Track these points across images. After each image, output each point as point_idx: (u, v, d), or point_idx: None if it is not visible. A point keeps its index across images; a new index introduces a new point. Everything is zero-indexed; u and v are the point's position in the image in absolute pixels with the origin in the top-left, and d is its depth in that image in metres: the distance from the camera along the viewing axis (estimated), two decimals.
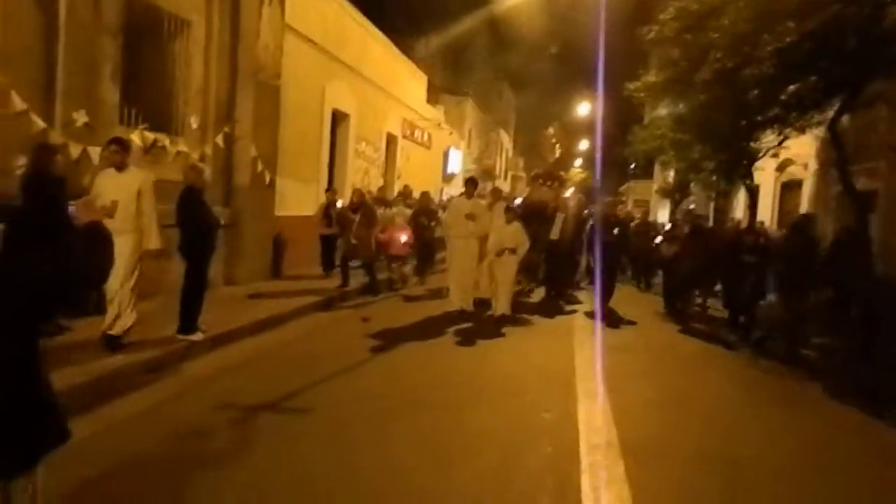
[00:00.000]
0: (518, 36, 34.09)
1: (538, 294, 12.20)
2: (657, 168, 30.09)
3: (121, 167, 6.06)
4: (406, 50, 20.27)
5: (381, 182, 16.68)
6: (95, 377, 5.19)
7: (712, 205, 22.44)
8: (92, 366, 5.37)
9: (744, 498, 4.05)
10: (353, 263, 10.98)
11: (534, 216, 11.62)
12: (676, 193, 24.45)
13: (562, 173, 18.55)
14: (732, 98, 11.55)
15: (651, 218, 26.03)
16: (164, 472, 3.84)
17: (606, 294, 10.81)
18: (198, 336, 6.63)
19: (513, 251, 9.56)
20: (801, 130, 12.08)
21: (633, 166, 38.61)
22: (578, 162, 60.43)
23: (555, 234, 11.69)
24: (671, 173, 24.48)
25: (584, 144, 57.33)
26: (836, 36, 9.10)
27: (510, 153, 46.15)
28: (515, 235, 9.68)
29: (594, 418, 5.24)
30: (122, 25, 7.73)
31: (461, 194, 10.52)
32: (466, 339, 8.20)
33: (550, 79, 40.78)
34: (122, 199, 5.47)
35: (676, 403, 6.08)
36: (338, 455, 4.20)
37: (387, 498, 3.68)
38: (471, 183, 10.27)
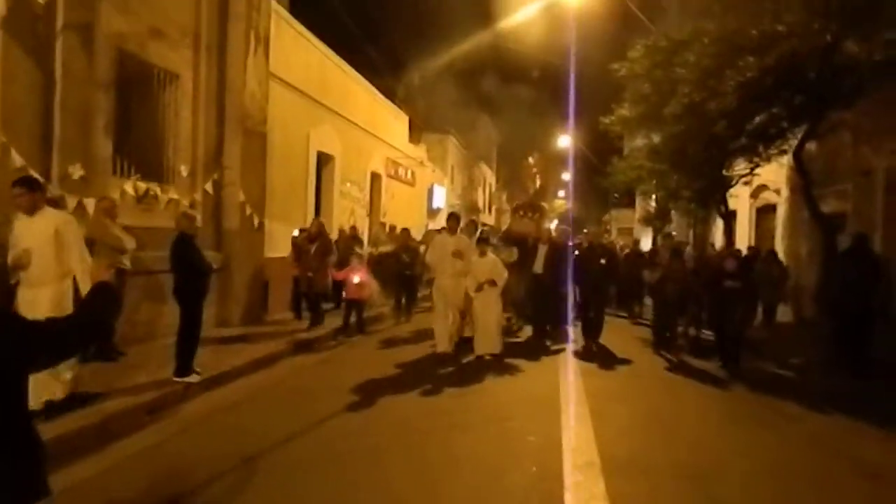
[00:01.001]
0: (498, 70, 35.05)
1: (526, 333, 11.47)
2: (638, 197, 30.72)
3: (31, 211, 5.29)
4: (387, 91, 20.83)
5: (366, 221, 17.04)
6: (99, 420, 5.38)
7: (692, 231, 23.01)
8: (93, 410, 5.56)
9: None
10: (326, 306, 10.94)
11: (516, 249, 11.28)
12: (657, 221, 24.98)
13: (543, 204, 18.11)
14: (701, 130, 12.07)
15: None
16: None
17: (595, 329, 10.38)
18: (194, 378, 6.82)
19: (492, 283, 9.01)
20: (768, 159, 12.60)
21: (616, 195, 39.30)
22: (561, 193, 61.28)
23: (538, 267, 10.99)
24: (652, 202, 25.06)
25: (566, 175, 58.30)
26: (794, 69, 9.65)
27: (493, 187, 46.81)
28: (493, 268, 9.16)
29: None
30: (114, 80, 8.07)
31: (442, 229, 9.83)
32: (453, 377, 8.07)
33: (531, 112, 41.61)
34: (36, 246, 5.18)
35: (659, 424, 6.32)
36: (333, 484, 4.41)
37: None
38: (453, 218, 9.71)
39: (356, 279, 10.60)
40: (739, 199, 18.23)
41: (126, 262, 7.47)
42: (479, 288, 9.03)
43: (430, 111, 28.69)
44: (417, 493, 4.31)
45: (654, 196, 22.96)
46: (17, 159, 6.59)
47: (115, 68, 8.04)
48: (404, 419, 6.11)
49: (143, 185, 8.64)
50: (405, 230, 14.02)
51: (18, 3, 6.37)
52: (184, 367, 6.79)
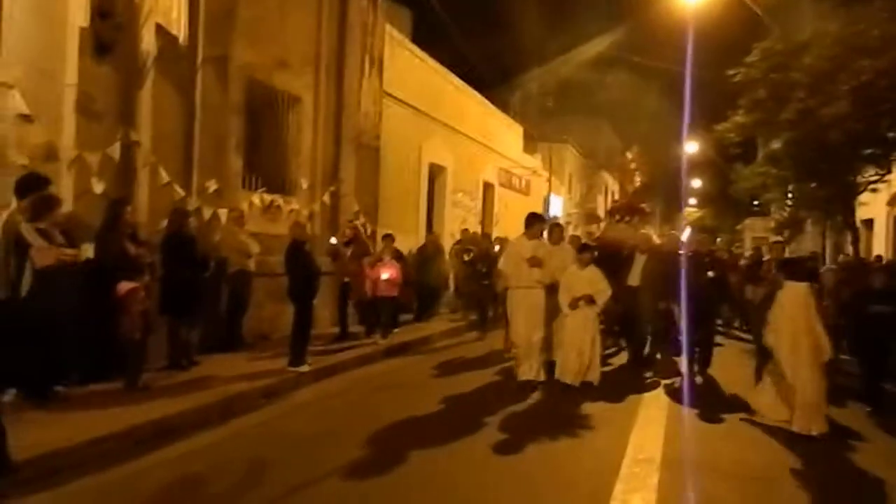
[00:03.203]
0: (618, 77, 34.56)
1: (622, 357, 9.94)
2: (772, 205, 29.19)
3: None
4: (502, 103, 21.41)
5: (479, 229, 17.62)
6: (222, 398, 6.31)
7: (828, 241, 21.60)
8: (218, 391, 6.51)
9: None
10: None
11: (608, 259, 9.44)
12: (786, 230, 23.68)
13: (644, 206, 16.06)
14: (817, 136, 11.61)
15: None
16: (278, 471, 4.77)
17: (701, 358, 8.63)
18: (305, 368, 7.67)
19: (591, 300, 7.79)
20: (889, 168, 11.89)
21: (756, 203, 37.48)
22: (693, 200, 58.96)
23: (633, 279, 9.32)
24: (785, 210, 23.73)
25: (696, 182, 56.07)
26: None
27: (616, 195, 46.01)
28: (592, 281, 7.90)
29: None
30: (244, 105, 9.19)
31: (522, 234, 8.40)
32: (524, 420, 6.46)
33: (653, 119, 40.55)
34: None
35: None
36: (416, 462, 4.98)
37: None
38: (535, 219, 8.39)
39: (385, 275, 9.75)
40: (875, 208, 17.06)
41: (251, 265, 8.52)
42: (575, 304, 7.81)
43: (546, 120, 28.94)
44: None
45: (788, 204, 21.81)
46: (164, 176, 7.74)
47: (246, 95, 9.15)
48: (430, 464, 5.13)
49: (268, 197, 9.72)
50: (485, 235, 13.45)
51: (166, 43, 7.51)
52: (297, 358, 7.65)
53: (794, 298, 6.49)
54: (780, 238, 22.65)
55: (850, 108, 9.88)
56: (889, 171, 12.93)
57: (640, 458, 5.16)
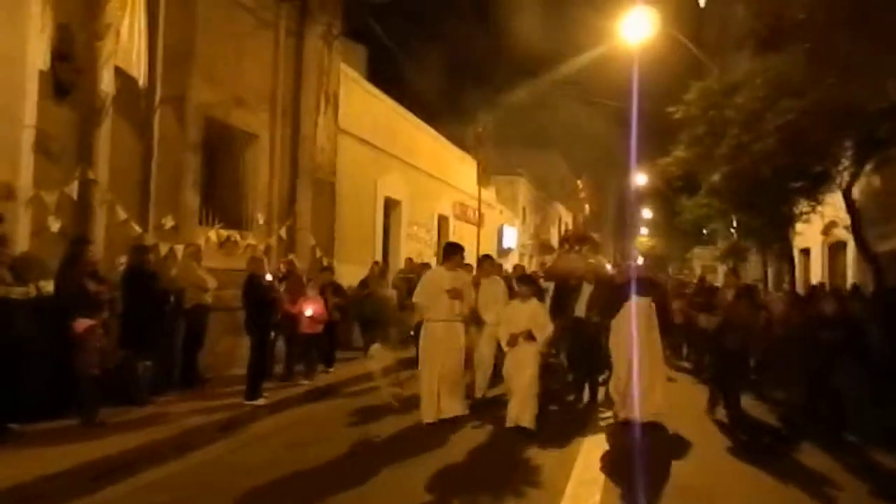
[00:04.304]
0: (566, 111, 35.68)
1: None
2: (717, 234, 30.30)
3: None
4: (456, 138, 21.92)
5: (433, 261, 17.90)
6: (179, 433, 6.39)
7: (770, 269, 22.56)
8: (175, 426, 6.59)
9: None
10: None
11: (560, 289, 9.68)
12: (729, 259, 24.65)
13: (594, 234, 15.22)
14: (750, 171, 12.32)
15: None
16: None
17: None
18: (261, 401, 7.78)
19: (530, 338, 7.24)
20: (819, 202, 12.68)
21: (705, 232, 38.73)
22: (644, 230, 60.54)
23: (580, 309, 8.98)
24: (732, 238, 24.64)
25: (647, 213, 57.69)
26: (831, 113, 9.85)
27: (569, 225, 47.02)
28: (533, 316, 7.37)
29: None
30: (201, 143, 9.36)
31: (440, 265, 8.21)
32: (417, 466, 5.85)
33: (603, 152, 41.86)
34: None
35: None
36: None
37: None
38: (453, 249, 8.00)
39: (308, 311, 9.24)
40: (810, 237, 17.99)
41: (208, 300, 8.62)
42: (514, 342, 7.27)
43: (499, 154, 29.62)
44: None
45: (733, 233, 22.73)
46: (122, 213, 7.86)
47: (203, 133, 9.34)
48: None
49: (224, 233, 9.86)
50: (425, 265, 12.88)
51: (125, 84, 7.68)
52: (253, 391, 7.76)
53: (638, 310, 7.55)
54: (729, 265, 23.60)
55: (777, 145, 10.55)
56: (820, 203, 13.73)
57: None
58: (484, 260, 9.55)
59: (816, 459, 6.43)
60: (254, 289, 7.81)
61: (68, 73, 6.87)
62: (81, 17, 7.17)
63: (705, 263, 43.00)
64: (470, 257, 18.59)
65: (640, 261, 30.84)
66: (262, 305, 7.85)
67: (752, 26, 11.35)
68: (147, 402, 7.24)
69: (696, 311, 10.49)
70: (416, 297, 7.72)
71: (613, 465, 5.99)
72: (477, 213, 22.99)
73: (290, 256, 10.96)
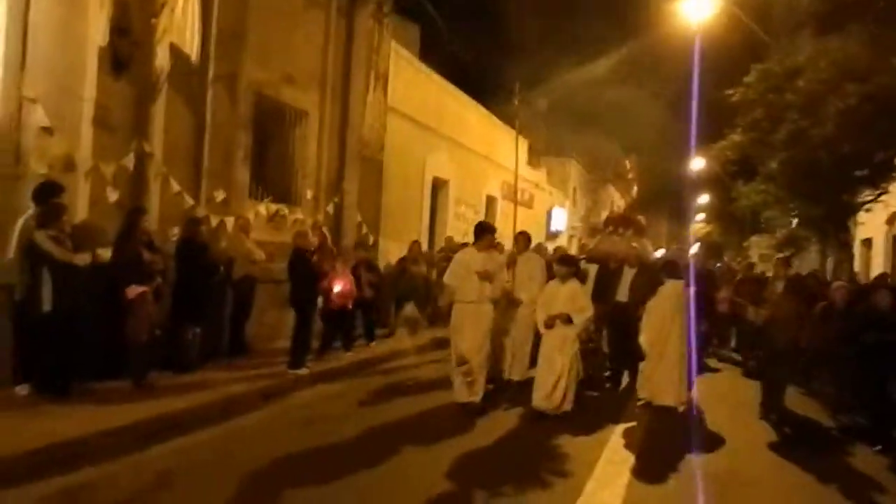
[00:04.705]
0: (625, 94, 34.93)
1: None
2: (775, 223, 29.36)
3: None
4: (508, 118, 21.78)
5: None
6: (222, 398, 6.68)
7: (829, 259, 21.78)
8: (219, 391, 6.88)
9: None
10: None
11: (602, 273, 9.24)
12: (787, 248, 23.88)
13: (640, 217, 14.59)
14: (808, 156, 11.93)
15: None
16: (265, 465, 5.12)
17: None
18: (304, 371, 8.02)
19: (568, 320, 7.01)
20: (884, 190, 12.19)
21: (763, 220, 37.58)
22: (700, 216, 59.06)
23: (622, 294, 8.75)
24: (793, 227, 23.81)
25: (704, 198, 56.20)
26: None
27: (622, 209, 46.24)
28: (572, 298, 7.11)
29: None
30: (252, 119, 9.59)
31: (471, 244, 8.10)
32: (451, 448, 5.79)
33: (660, 135, 40.83)
34: None
35: None
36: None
37: None
38: (484, 230, 7.68)
39: (336, 287, 9.15)
40: (873, 227, 17.29)
41: (256, 272, 8.88)
42: (551, 323, 7.10)
43: (551, 136, 29.32)
44: None
45: (792, 221, 21.99)
46: (175, 186, 8.15)
47: (254, 110, 9.57)
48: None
49: (273, 207, 10.11)
50: (465, 244, 11.60)
51: (178, 60, 7.92)
52: (296, 362, 8.00)
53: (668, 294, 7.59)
54: (782, 254, 22.76)
55: (837, 131, 10.18)
56: (885, 192, 13.19)
57: None
58: (520, 236, 9.23)
59: (860, 459, 6.18)
60: (299, 263, 8.01)
61: (126, 49, 7.11)
62: None
63: (762, 252, 41.62)
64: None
65: (696, 247, 29.95)
66: (306, 279, 8.05)
67: (813, 6, 10.90)
68: (196, 369, 7.56)
69: (741, 301, 10.01)
70: (447, 279, 7.53)
71: (645, 448, 5.99)
72: (526, 193, 22.90)
73: (322, 228, 10.71)
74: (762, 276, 12.90)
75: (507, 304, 8.16)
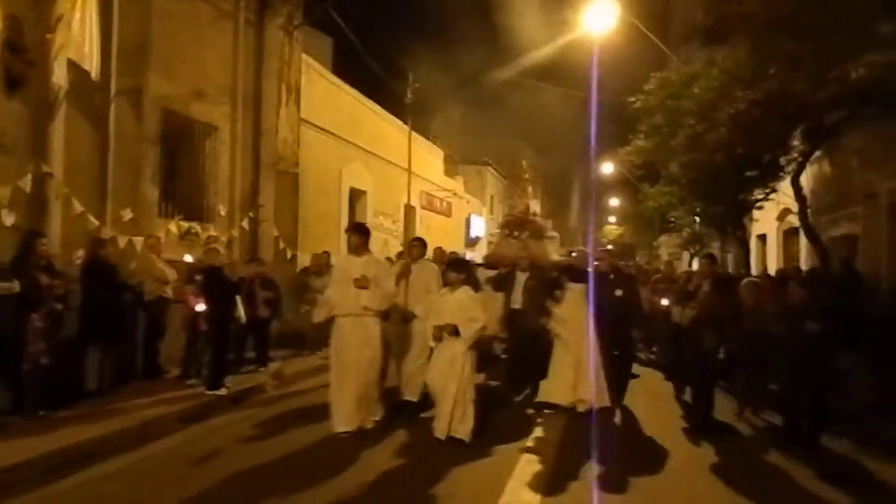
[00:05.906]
0: (530, 102, 35.86)
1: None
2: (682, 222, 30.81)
3: None
4: (422, 129, 22.02)
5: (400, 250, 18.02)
6: (139, 424, 6.46)
7: (730, 256, 23.13)
8: (134, 416, 6.65)
9: None
10: None
11: (495, 279, 8.89)
12: (691, 246, 25.18)
13: (536, 218, 14.05)
14: (707, 160, 12.64)
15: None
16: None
17: (616, 389, 7.65)
18: (223, 391, 7.85)
19: (455, 332, 6.14)
20: (772, 189, 13.10)
21: (671, 220, 39.24)
22: (612, 218, 61.16)
23: (515, 301, 8.25)
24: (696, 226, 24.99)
25: (614, 201, 58.25)
26: (781, 103, 10.16)
27: (538, 214, 47.25)
28: (462, 307, 6.26)
29: None
30: (159, 135, 9.35)
31: (348, 252, 6.90)
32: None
33: (569, 142, 42.12)
34: None
35: None
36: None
37: None
38: (357, 231, 6.72)
39: (199, 307, 8.07)
40: (766, 223, 18.50)
41: (168, 292, 8.64)
42: (438, 335, 6.22)
43: (466, 144, 29.80)
44: None
45: (696, 220, 23.17)
46: (78, 206, 7.84)
47: (161, 125, 9.33)
48: None
49: (185, 225, 9.86)
50: (321, 252, 11.58)
51: (77, 76, 7.62)
52: (214, 382, 7.83)
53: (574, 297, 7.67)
54: (711, 252, 23.80)
55: (730, 135, 10.86)
56: (774, 191, 14.13)
57: None
58: (414, 242, 8.16)
59: (784, 463, 6.03)
60: (212, 279, 7.85)
61: (19, 66, 6.83)
62: (31, 9, 7.12)
63: (671, 251, 43.83)
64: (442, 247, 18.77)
65: (602, 250, 30.71)
66: (220, 295, 7.90)
67: (699, 19, 11.63)
68: (108, 394, 7.27)
69: (658, 297, 10.18)
70: (327, 291, 6.69)
71: (556, 461, 5.92)
72: (443, 202, 23.21)
73: (215, 245, 9.37)
74: (675, 274, 13.05)
75: (399, 318, 7.39)
